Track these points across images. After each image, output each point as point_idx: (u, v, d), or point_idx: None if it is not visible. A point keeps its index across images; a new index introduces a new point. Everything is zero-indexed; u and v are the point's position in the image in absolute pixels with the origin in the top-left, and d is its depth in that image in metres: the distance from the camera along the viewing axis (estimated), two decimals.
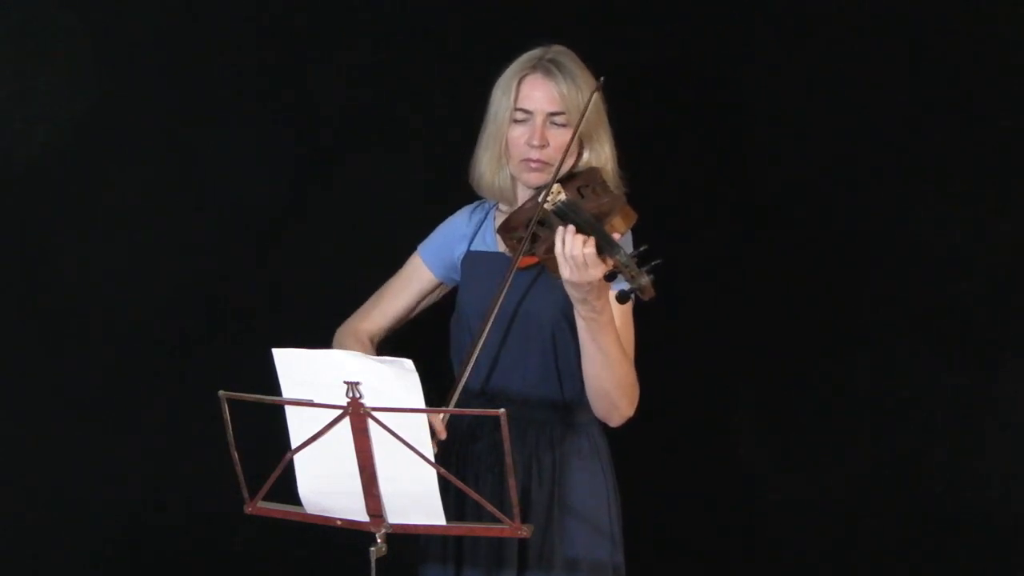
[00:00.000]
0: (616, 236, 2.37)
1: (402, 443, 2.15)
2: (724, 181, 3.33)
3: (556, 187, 2.51)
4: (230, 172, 3.28)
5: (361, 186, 3.32)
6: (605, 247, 2.32)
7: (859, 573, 3.37)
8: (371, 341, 2.72)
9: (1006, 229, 3.23)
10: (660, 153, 3.27)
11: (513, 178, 2.62)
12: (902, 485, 3.31)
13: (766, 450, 3.38)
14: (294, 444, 2.23)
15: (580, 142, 2.57)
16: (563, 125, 2.55)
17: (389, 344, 2.74)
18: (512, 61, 2.60)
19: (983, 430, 3.28)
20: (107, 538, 3.29)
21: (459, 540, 2.60)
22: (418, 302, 2.76)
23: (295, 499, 2.28)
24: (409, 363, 2.12)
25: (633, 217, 2.45)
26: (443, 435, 2.37)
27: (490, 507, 2.23)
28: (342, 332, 2.73)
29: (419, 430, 2.16)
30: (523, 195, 2.63)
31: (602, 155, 2.60)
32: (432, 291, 2.76)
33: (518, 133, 2.56)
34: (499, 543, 2.56)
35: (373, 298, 2.76)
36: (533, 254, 2.48)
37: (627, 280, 2.29)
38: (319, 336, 2.67)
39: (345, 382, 2.14)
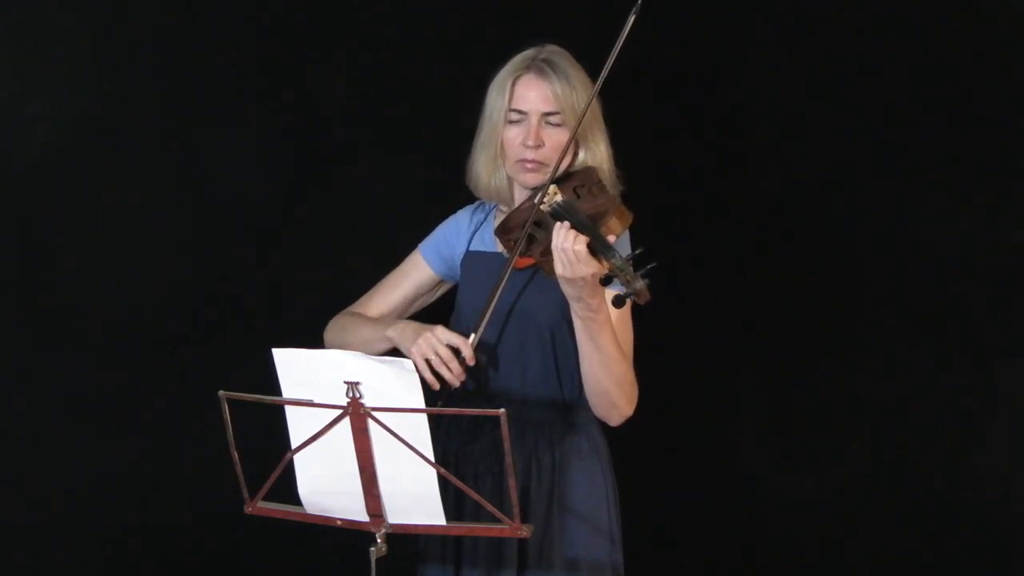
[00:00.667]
0: (612, 238, 2.37)
1: (402, 443, 2.15)
2: (724, 181, 3.34)
3: (552, 188, 2.51)
4: (230, 172, 3.28)
5: (361, 186, 3.33)
6: (601, 250, 2.32)
7: (859, 573, 3.37)
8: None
9: (1006, 229, 3.23)
10: (660, 153, 3.27)
11: (510, 179, 2.62)
12: (902, 485, 3.32)
13: (766, 450, 3.38)
14: (294, 444, 2.22)
15: (576, 141, 2.57)
16: (558, 125, 2.55)
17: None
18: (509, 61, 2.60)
19: (983, 430, 3.28)
20: (107, 538, 3.29)
21: (459, 540, 2.60)
22: (416, 297, 2.75)
23: (295, 499, 2.28)
24: (409, 363, 2.12)
25: (629, 218, 2.45)
26: (472, 361, 2.42)
27: (490, 507, 2.23)
28: (337, 319, 2.72)
29: (419, 430, 2.16)
30: (520, 195, 2.63)
31: (598, 154, 2.60)
32: (431, 288, 2.75)
33: (513, 134, 2.56)
34: (499, 543, 2.56)
35: (370, 292, 2.76)
36: (530, 255, 2.48)
37: (623, 284, 2.29)
38: (319, 336, 2.68)
39: (345, 382, 2.14)
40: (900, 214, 3.27)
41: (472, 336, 2.45)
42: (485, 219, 2.70)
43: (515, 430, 2.45)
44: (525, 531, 2.20)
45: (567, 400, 2.59)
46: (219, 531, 3.28)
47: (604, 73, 2.46)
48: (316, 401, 2.18)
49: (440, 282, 2.75)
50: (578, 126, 2.51)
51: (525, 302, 2.57)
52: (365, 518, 2.23)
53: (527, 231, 2.47)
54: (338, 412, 2.16)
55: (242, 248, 3.30)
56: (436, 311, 2.78)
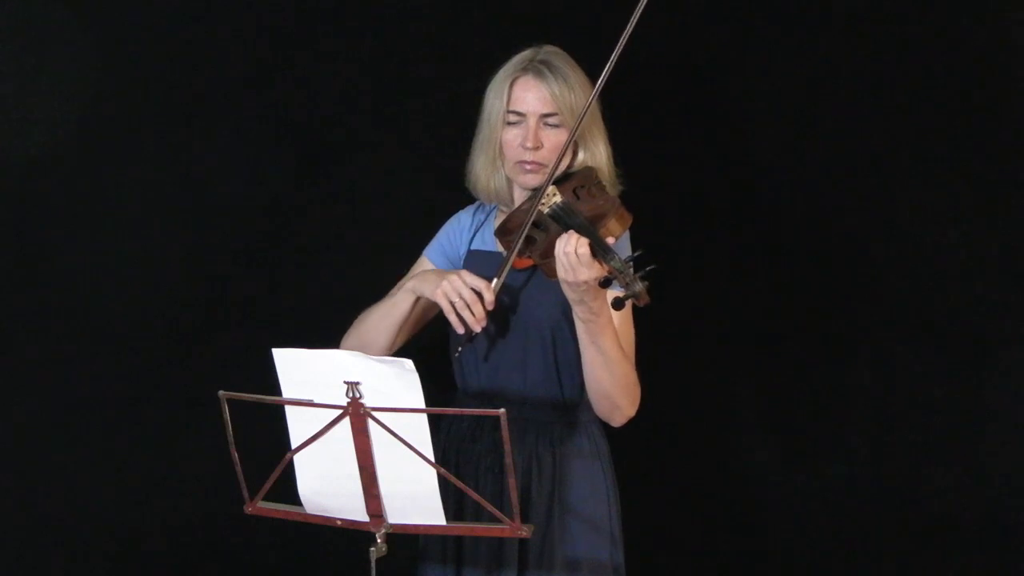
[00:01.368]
0: (611, 240, 2.37)
1: (402, 443, 2.15)
2: (723, 181, 3.33)
3: (551, 189, 2.51)
4: (230, 172, 3.28)
5: (361, 186, 3.33)
6: (600, 252, 2.32)
7: (859, 573, 3.37)
8: None
9: (1006, 229, 3.23)
10: (659, 153, 3.27)
11: (509, 180, 2.62)
12: (902, 485, 3.31)
13: (766, 450, 3.38)
14: (294, 444, 2.23)
15: (575, 142, 2.57)
16: (557, 126, 2.55)
17: None
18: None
19: (983, 430, 3.28)
20: (107, 538, 3.29)
21: (459, 540, 2.60)
22: (425, 300, 2.72)
23: (295, 499, 2.28)
24: (409, 363, 2.12)
25: (629, 219, 2.45)
26: (492, 306, 2.44)
27: (490, 507, 2.23)
28: (352, 326, 2.71)
29: (419, 430, 2.16)
30: (520, 196, 2.63)
31: (597, 154, 2.60)
32: None
33: (512, 135, 2.56)
34: (499, 543, 2.56)
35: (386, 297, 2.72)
36: (528, 256, 2.48)
37: (622, 286, 2.29)
38: (319, 336, 2.67)
39: (345, 382, 2.14)
40: (900, 214, 3.27)
41: (495, 280, 2.46)
42: (486, 219, 2.70)
43: (515, 430, 2.45)
44: (525, 531, 2.20)
45: (568, 400, 2.59)
46: (219, 531, 3.28)
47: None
48: (316, 401, 2.18)
49: None
50: (577, 127, 2.51)
51: (526, 303, 2.57)
52: (365, 518, 2.23)
53: (525, 232, 2.47)
54: (338, 412, 2.16)
55: (242, 248, 3.30)
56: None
